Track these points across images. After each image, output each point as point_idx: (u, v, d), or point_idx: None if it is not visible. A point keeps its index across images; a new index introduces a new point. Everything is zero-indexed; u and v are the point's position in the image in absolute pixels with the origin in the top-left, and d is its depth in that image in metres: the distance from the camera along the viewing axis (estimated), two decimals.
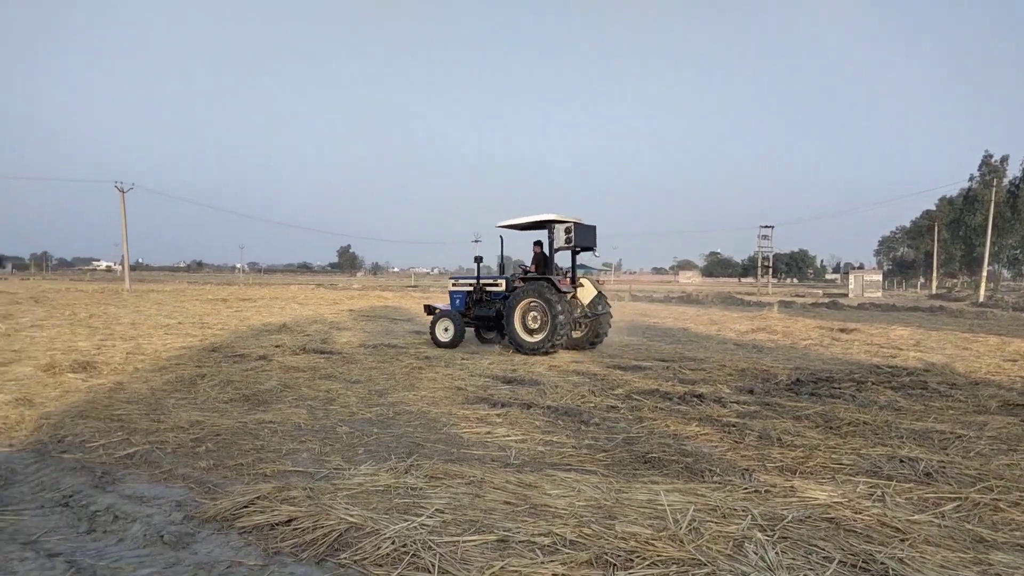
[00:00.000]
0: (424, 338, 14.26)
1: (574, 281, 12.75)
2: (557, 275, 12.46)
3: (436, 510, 3.88)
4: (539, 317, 11.86)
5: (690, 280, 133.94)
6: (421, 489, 4.29)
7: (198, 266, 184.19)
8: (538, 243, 13.05)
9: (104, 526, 3.76)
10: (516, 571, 3.11)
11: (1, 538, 3.56)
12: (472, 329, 14.00)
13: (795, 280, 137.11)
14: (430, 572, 3.12)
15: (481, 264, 13.35)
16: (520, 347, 11.85)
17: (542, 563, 3.19)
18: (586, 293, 12.72)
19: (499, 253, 13.77)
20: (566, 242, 12.25)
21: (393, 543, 3.42)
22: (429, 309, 14.28)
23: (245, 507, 3.94)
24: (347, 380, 8.62)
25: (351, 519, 3.72)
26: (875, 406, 7.27)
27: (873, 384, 8.62)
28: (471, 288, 13.65)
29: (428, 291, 49.50)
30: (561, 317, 11.50)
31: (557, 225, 12.36)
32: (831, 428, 6.28)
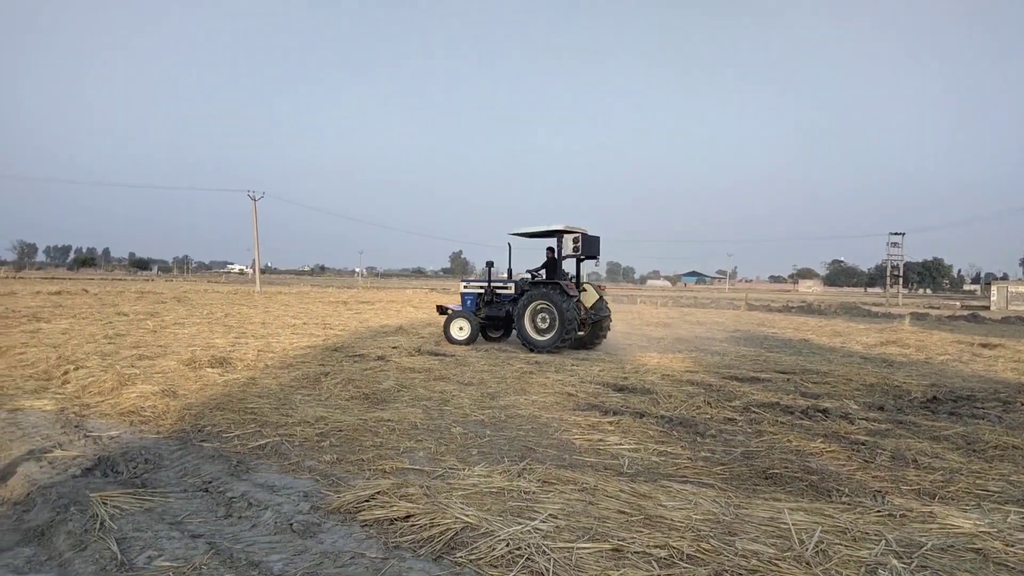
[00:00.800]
0: None
1: (579, 286, 13.78)
2: (564, 280, 13.46)
3: (549, 515, 3.88)
4: (548, 318, 12.99)
5: (811, 289, 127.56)
6: (534, 493, 4.30)
7: (321, 270, 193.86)
8: (550, 249, 13.93)
9: (239, 512, 4.01)
10: None
11: (152, 517, 3.87)
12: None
13: (928, 291, 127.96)
14: None
15: (492, 268, 14.36)
16: (531, 345, 12.89)
17: (658, 575, 3.12)
18: (589, 297, 13.73)
19: (508, 259, 14.70)
20: (573, 251, 13.40)
21: (507, 545, 3.44)
22: (441, 309, 15.37)
23: (366, 501, 4.09)
24: (460, 382, 8.79)
25: (466, 519, 3.78)
26: None
27: (1023, 405, 7.88)
28: (482, 290, 14.55)
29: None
30: (569, 318, 12.56)
31: (566, 235, 13.51)
32: (974, 451, 5.79)
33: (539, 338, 12.91)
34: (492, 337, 14.98)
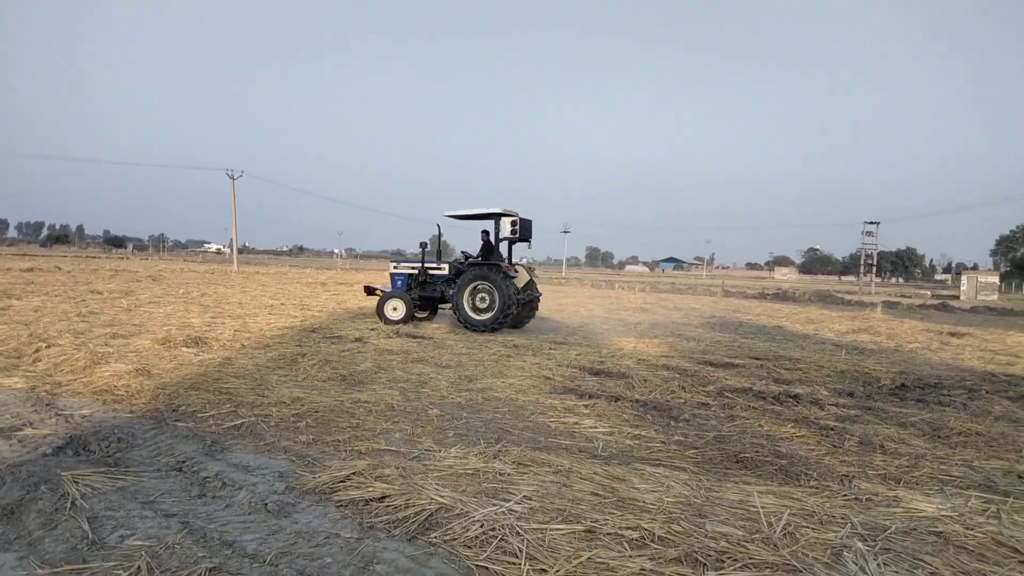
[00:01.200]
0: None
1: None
2: (503, 262, 13.86)
3: (524, 496, 3.92)
4: (487, 298, 13.37)
5: (786, 277, 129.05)
6: (509, 475, 4.34)
7: (299, 250, 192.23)
8: (484, 232, 14.25)
9: (213, 492, 4.00)
10: (604, 563, 3.11)
11: (124, 496, 3.85)
12: None
13: (901, 280, 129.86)
14: (518, 557, 3.16)
15: (426, 250, 14.76)
16: (469, 324, 13.19)
17: (630, 556, 3.18)
18: (521, 279, 13.96)
19: (437, 240, 15.30)
20: (512, 233, 13.86)
21: (482, 526, 3.48)
22: (369, 290, 15.69)
23: (342, 482, 4.10)
24: (437, 365, 8.80)
25: (441, 500, 3.81)
26: (989, 416, 6.80)
27: (987, 393, 8.08)
28: (413, 271, 14.81)
29: None
30: (508, 298, 13.01)
31: (504, 218, 13.87)
32: (939, 437, 5.93)
33: (477, 317, 13.28)
34: (418, 317, 15.15)
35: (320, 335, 11.18)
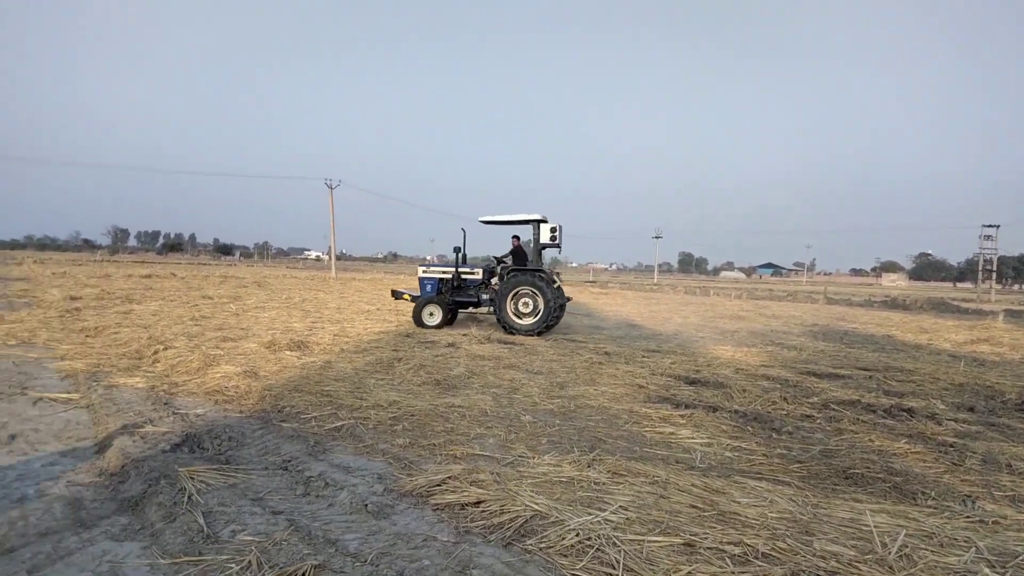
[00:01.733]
0: (606, 333, 14.25)
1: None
2: (541, 268, 14.06)
3: (620, 507, 3.85)
4: (530, 303, 13.62)
5: (895, 283, 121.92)
6: (604, 484, 4.28)
7: (394, 257, 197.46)
8: (516, 237, 14.59)
9: (317, 491, 4.15)
10: None
11: (235, 492, 4.04)
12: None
13: None
14: (615, 568, 3.10)
15: (459, 254, 14.68)
16: (512, 329, 13.38)
17: (732, 573, 3.06)
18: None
19: (463, 245, 14.83)
20: (551, 240, 13.95)
21: (577, 535, 3.44)
22: (396, 294, 15.89)
23: (438, 486, 4.16)
24: (529, 371, 8.81)
25: (536, 507, 3.80)
26: None
27: None
28: (444, 275, 14.83)
29: (607, 287, 49.37)
30: (554, 304, 13.36)
31: (543, 224, 14.00)
32: None
33: (520, 322, 13.52)
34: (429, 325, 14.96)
35: (414, 340, 11.43)
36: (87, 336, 10.49)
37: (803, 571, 3.08)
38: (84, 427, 5.52)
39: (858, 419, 6.61)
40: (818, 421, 6.57)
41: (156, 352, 8.91)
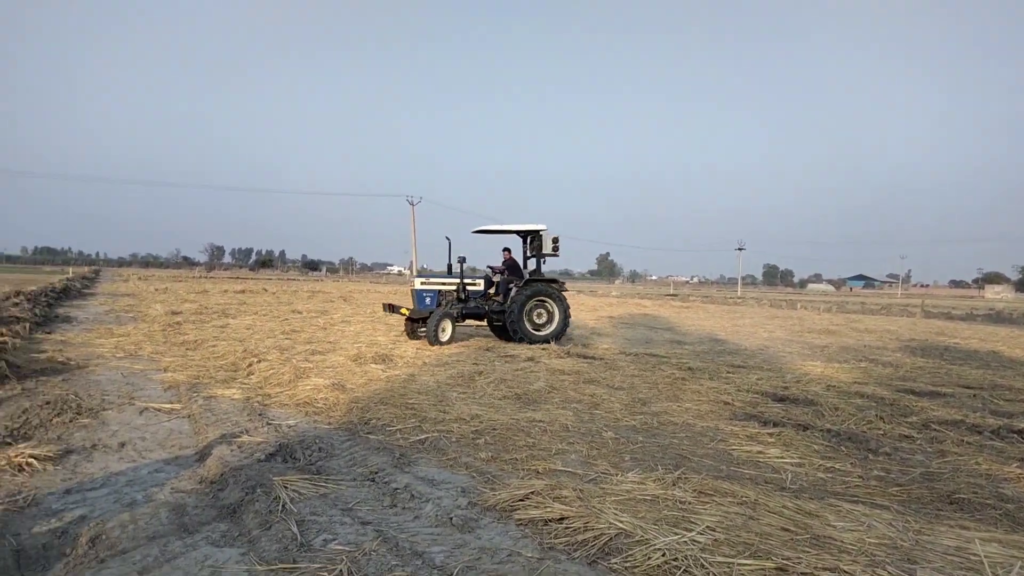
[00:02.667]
0: (688, 348, 13.97)
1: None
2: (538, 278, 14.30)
3: (707, 527, 3.76)
4: (544, 313, 13.88)
5: (999, 296, 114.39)
6: (690, 504, 4.18)
7: (472, 271, 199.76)
8: (507, 249, 14.83)
9: (403, 503, 4.23)
10: None
11: (326, 502, 4.18)
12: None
13: None
14: None
15: (464, 264, 14.18)
16: (532, 340, 13.37)
17: None
18: None
19: (448, 255, 14.44)
20: (553, 250, 14.08)
21: (664, 555, 3.38)
22: (392, 308, 14.79)
23: (521, 500, 4.17)
24: (610, 386, 8.73)
25: (621, 525, 3.75)
26: None
27: None
28: (446, 287, 14.15)
29: (688, 300, 48.44)
30: (568, 312, 14.00)
31: (544, 234, 14.12)
32: None
33: (538, 332, 13.70)
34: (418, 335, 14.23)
35: (494, 354, 11.52)
36: (187, 349, 11.08)
37: None
38: (186, 436, 5.84)
39: (963, 440, 6.24)
40: (918, 442, 6.23)
41: (250, 365, 9.33)
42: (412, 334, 13.94)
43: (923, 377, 10.63)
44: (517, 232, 14.73)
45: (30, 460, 4.78)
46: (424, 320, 13.49)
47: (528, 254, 14.84)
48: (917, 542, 3.63)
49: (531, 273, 14.57)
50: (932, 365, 12.38)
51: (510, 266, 14.61)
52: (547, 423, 6.48)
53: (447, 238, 14.22)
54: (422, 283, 14.18)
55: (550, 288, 13.91)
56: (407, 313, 13.82)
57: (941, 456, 5.73)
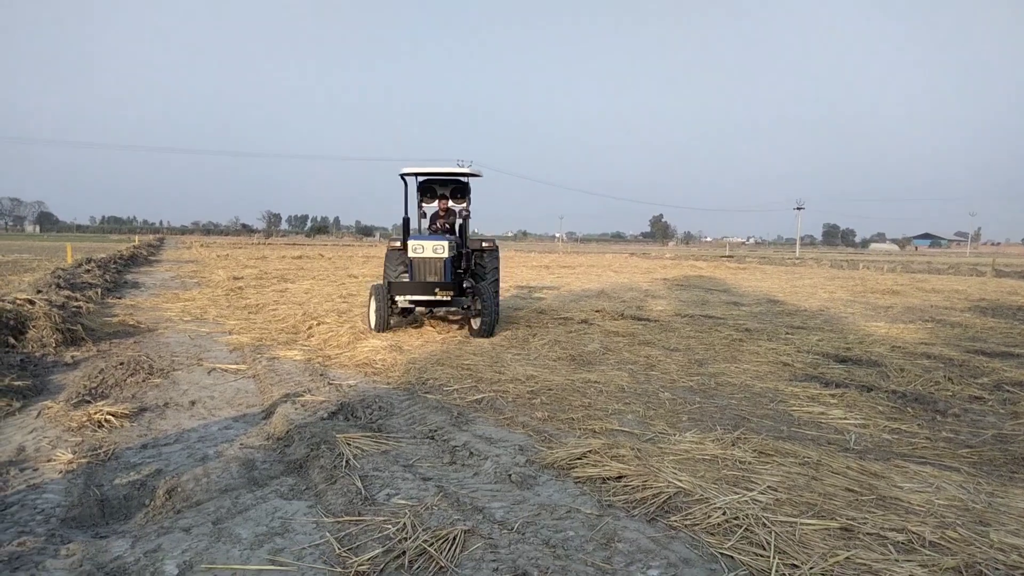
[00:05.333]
0: (745, 310, 13.72)
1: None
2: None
3: (768, 487, 3.72)
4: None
5: None
6: (750, 464, 4.14)
7: (523, 235, 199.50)
8: (444, 198, 10.65)
9: (462, 460, 4.30)
10: (865, 564, 2.85)
11: (388, 459, 4.28)
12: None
13: None
14: (765, 549, 3.01)
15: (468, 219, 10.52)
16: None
17: (896, 561, 2.88)
18: None
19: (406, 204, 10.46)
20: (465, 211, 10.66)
21: (724, 513, 3.36)
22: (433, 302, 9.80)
23: (578, 459, 4.19)
24: (665, 347, 8.66)
25: (679, 484, 3.74)
26: None
27: None
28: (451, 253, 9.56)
29: (744, 261, 47.43)
30: (498, 293, 10.40)
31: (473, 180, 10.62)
32: None
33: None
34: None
35: (548, 316, 11.53)
36: (250, 312, 11.42)
37: (979, 563, 2.85)
38: (252, 395, 6.04)
39: None
40: (990, 403, 6.02)
41: (310, 327, 9.56)
42: (383, 324, 9.29)
43: (994, 338, 10.21)
44: (465, 175, 10.40)
45: (108, 417, 5.02)
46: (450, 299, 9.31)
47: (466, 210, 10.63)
48: (990, 504, 3.53)
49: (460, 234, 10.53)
50: (1004, 326, 11.86)
51: (463, 228, 10.61)
52: (603, 384, 6.47)
53: (402, 177, 10.24)
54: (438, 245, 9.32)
55: (483, 258, 10.28)
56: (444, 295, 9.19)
57: (1015, 418, 5.52)
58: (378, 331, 9.11)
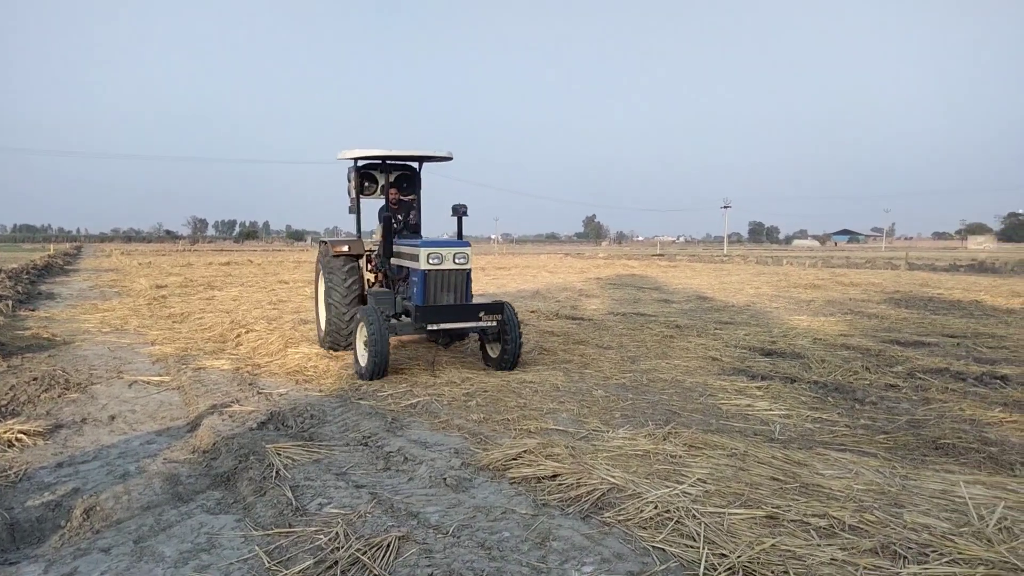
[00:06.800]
0: (676, 307, 14.03)
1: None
2: None
3: (698, 479, 3.81)
4: None
5: (982, 246, 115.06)
6: (680, 457, 4.23)
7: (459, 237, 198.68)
8: (394, 187, 8.62)
9: (396, 465, 4.26)
10: (789, 551, 2.95)
11: (320, 467, 4.19)
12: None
13: None
14: (695, 540, 3.08)
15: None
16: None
17: (818, 546, 2.99)
18: None
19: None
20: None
21: (656, 507, 3.42)
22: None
23: (514, 459, 4.20)
24: (599, 346, 8.77)
25: (613, 480, 3.79)
26: None
27: None
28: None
29: (675, 260, 48.56)
30: None
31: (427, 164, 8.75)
32: None
33: None
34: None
35: None
36: (174, 322, 11.01)
37: (894, 543, 2.98)
38: (176, 407, 5.82)
39: (947, 388, 6.34)
40: (903, 391, 6.33)
41: (239, 335, 9.28)
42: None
43: (908, 328, 10.76)
44: (426, 158, 8.57)
45: (20, 436, 4.75)
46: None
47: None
48: (904, 487, 3.70)
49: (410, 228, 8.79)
50: (916, 316, 12.51)
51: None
52: (538, 383, 6.51)
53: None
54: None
55: None
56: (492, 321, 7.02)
57: (926, 404, 5.82)
58: (372, 378, 6.61)
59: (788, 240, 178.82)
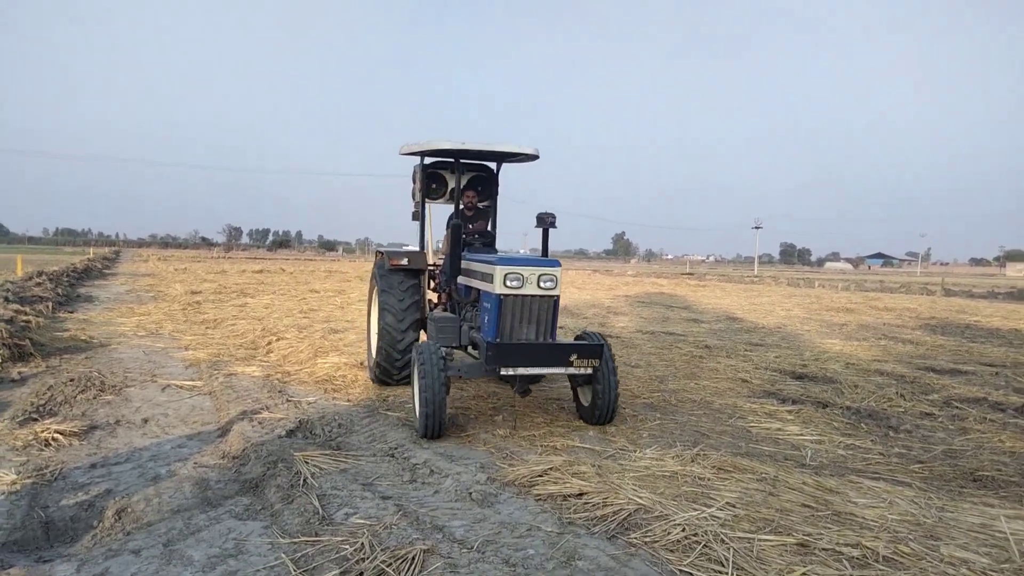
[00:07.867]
0: (705, 327, 13.89)
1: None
2: None
3: (727, 503, 3.76)
4: None
5: (1022, 273, 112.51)
6: (709, 480, 4.18)
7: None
8: (469, 191, 7.34)
9: (423, 478, 4.26)
10: None
11: (346, 477, 4.21)
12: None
13: None
14: (723, 566, 3.03)
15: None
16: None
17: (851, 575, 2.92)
18: None
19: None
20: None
21: (683, 530, 3.38)
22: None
23: (539, 476, 4.18)
24: (627, 364, 8.71)
25: (639, 500, 3.75)
26: None
27: None
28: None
29: (704, 279, 48.12)
30: None
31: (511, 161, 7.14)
32: None
33: None
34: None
35: None
36: (207, 328, 11.19)
37: None
38: (207, 412, 5.90)
39: (985, 418, 6.17)
40: (940, 419, 6.18)
41: (270, 343, 9.40)
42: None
43: (944, 355, 10.51)
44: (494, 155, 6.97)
45: (56, 435, 4.86)
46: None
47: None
48: (940, 519, 3.61)
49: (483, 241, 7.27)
50: (953, 343, 12.22)
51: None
52: (564, 400, 6.48)
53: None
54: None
55: None
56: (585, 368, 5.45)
57: (963, 433, 5.68)
58: (429, 436, 5.09)
59: (820, 262, 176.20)
